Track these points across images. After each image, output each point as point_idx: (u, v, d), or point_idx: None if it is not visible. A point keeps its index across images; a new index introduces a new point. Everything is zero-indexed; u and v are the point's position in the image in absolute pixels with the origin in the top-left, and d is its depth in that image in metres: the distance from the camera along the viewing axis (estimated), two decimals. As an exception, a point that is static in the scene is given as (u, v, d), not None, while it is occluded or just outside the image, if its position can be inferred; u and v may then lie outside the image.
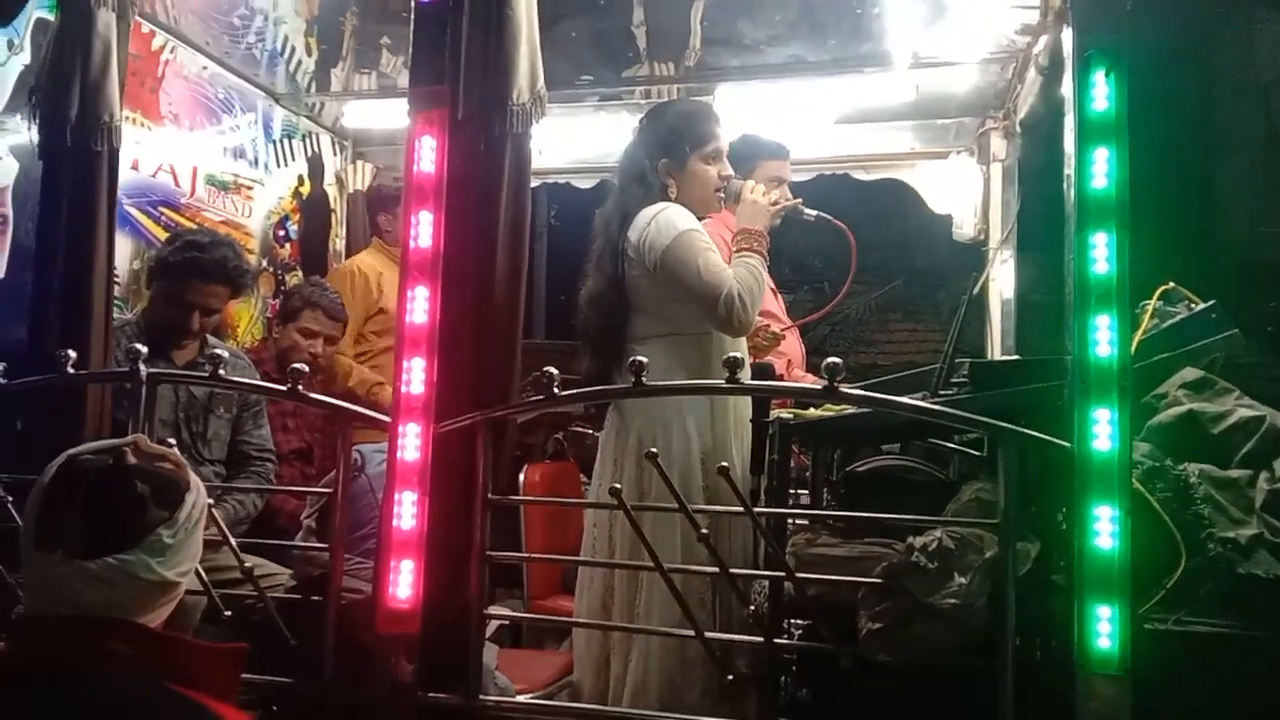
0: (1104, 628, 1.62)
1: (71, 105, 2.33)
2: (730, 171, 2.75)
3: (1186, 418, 1.91)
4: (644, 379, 1.90)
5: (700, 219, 2.69)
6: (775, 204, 2.69)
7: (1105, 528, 1.64)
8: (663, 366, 2.49)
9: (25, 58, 2.83)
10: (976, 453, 2.47)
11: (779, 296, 3.47)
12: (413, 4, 2.04)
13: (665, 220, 2.54)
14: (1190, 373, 2.00)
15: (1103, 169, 1.68)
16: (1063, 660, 1.67)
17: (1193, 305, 2.15)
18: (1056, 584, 1.75)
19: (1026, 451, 1.76)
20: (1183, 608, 1.70)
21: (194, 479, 1.45)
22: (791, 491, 2.50)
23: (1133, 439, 1.74)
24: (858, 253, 2.98)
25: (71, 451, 1.43)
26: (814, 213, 2.83)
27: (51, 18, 2.49)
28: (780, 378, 2.87)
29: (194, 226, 3.48)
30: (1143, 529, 1.68)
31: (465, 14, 2.03)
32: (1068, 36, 1.76)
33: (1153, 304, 2.14)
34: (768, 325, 2.98)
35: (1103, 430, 1.65)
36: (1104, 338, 1.67)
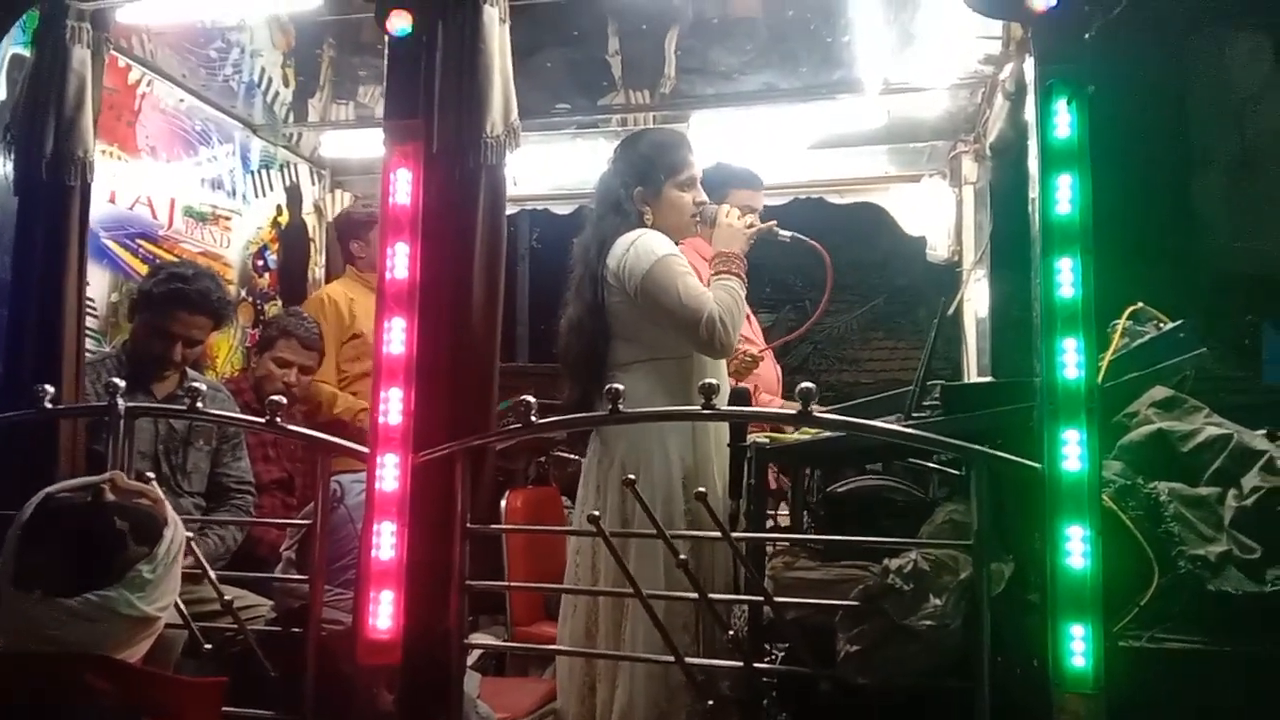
0: (1078, 646, 1.63)
1: (46, 140, 2.34)
2: (704, 198, 2.78)
3: (1156, 436, 1.94)
4: (620, 406, 1.92)
5: (675, 244, 2.72)
6: (750, 227, 2.72)
7: (1077, 547, 1.66)
8: (644, 392, 2.52)
9: (0, 94, 2.83)
10: (956, 472, 2.49)
11: (754, 320, 3.49)
12: (386, 38, 2.06)
13: (643, 246, 2.56)
14: (1160, 391, 2.03)
15: (1066, 195, 1.71)
16: (1038, 679, 1.69)
17: (1161, 324, 2.18)
18: (1031, 603, 1.77)
19: (999, 473, 1.78)
20: (1155, 625, 1.71)
21: (172, 514, 1.46)
22: (771, 513, 2.52)
23: (1103, 458, 1.76)
24: (836, 273, 3.02)
25: (49, 489, 1.43)
26: (789, 234, 2.87)
27: (27, 54, 2.50)
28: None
29: (172, 258, 3.48)
30: (1115, 547, 1.70)
31: (438, 48, 2.05)
32: (1029, 65, 1.79)
33: (1122, 324, 2.17)
34: (745, 350, 3.00)
35: (1072, 451, 1.67)
36: (1071, 360, 1.69)
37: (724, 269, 2.62)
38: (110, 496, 1.40)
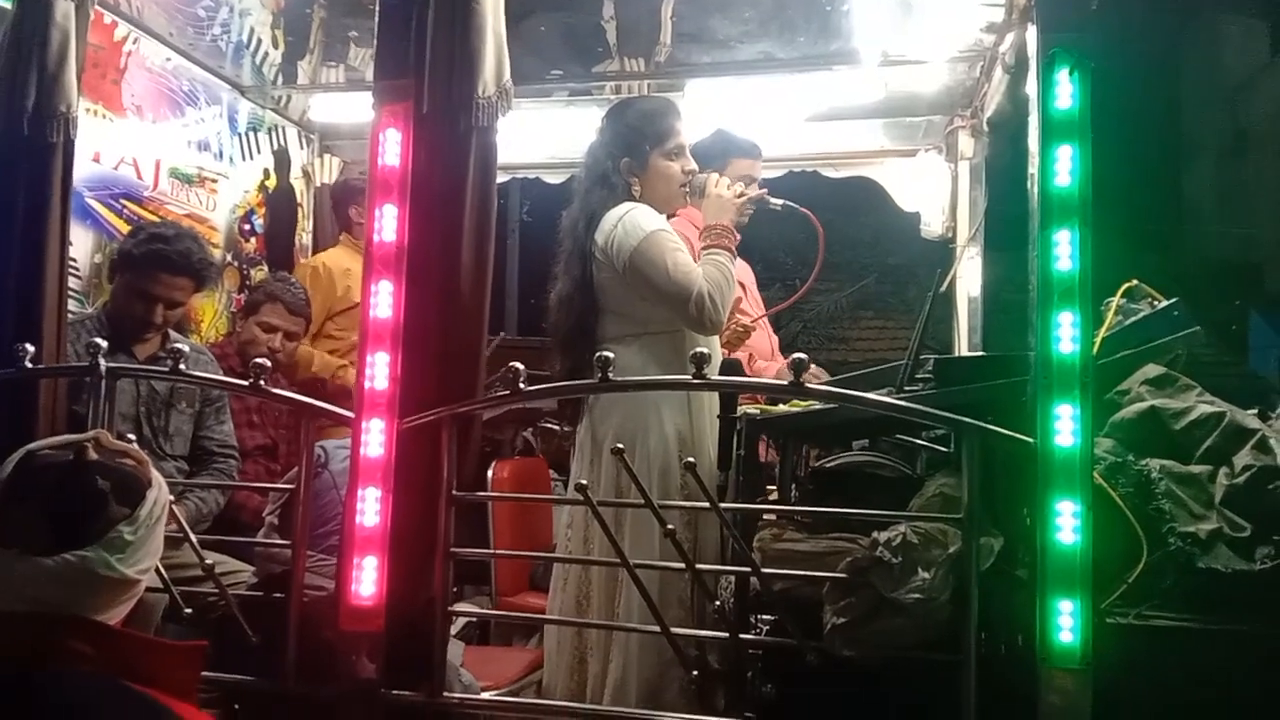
0: (1066, 622, 1.63)
1: (28, 96, 2.29)
2: (694, 166, 2.74)
3: (1148, 414, 1.93)
4: (610, 374, 1.89)
5: (667, 216, 2.69)
6: (741, 196, 2.69)
7: (1067, 523, 1.65)
8: (636, 366, 2.50)
9: (-18, 47, 2.77)
10: (944, 448, 2.48)
11: (751, 288, 3.46)
12: (377, -3, 2.02)
13: (632, 221, 2.53)
14: (1152, 369, 2.02)
15: (1066, 166, 1.69)
16: (1026, 654, 1.68)
17: (1155, 303, 2.17)
18: (1020, 579, 1.76)
19: (990, 447, 1.77)
20: (1144, 602, 1.71)
21: (156, 475, 1.43)
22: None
23: (1095, 435, 1.75)
24: (827, 250, 2.99)
25: (31, 446, 1.41)
26: (780, 201, 2.84)
27: (9, 6, 2.44)
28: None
29: (157, 219, 3.44)
30: (1105, 524, 1.69)
31: (430, 7, 2.01)
32: (1032, 35, 1.77)
33: (1116, 301, 2.15)
34: (738, 320, 2.98)
35: (1065, 426, 1.66)
36: (1067, 334, 1.67)
37: (713, 242, 2.59)
38: (93, 455, 1.37)
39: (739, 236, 2.68)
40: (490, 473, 3.31)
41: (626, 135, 2.66)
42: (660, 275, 2.49)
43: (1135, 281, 2.22)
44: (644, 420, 2.50)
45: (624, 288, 2.56)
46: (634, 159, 2.65)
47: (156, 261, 2.74)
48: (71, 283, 2.95)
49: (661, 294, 2.50)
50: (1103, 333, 2.02)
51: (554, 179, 4.27)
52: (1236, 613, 1.67)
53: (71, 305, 2.88)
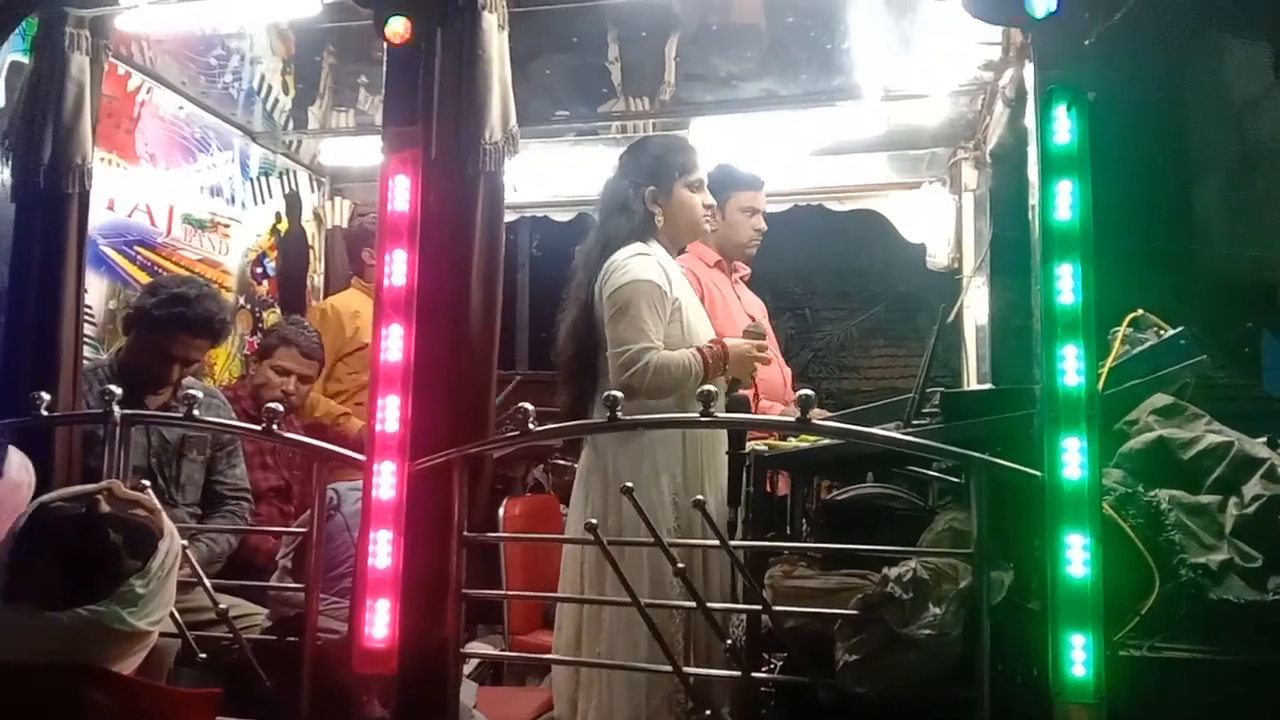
0: (1078, 655, 1.62)
1: (45, 148, 2.33)
2: (713, 201, 2.82)
3: (1157, 444, 1.93)
4: (619, 414, 1.91)
5: (678, 251, 2.73)
6: (762, 355, 2.68)
7: (1077, 555, 1.65)
8: (632, 405, 2.50)
9: (0, 101, 2.83)
10: (955, 479, 2.48)
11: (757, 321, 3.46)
12: (385, 45, 2.06)
13: (630, 265, 2.56)
14: (1161, 399, 2.02)
15: (1066, 201, 1.71)
16: (1039, 688, 1.67)
17: (1161, 332, 2.18)
18: (1032, 612, 1.76)
19: (999, 480, 1.77)
20: (1156, 634, 1.70)
21: (168, 525, 1.44)
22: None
23: (1104, 466, 1.75)
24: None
25: (44, 499, 1.42)
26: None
27: (26, 61, 2.50)
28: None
29: (171, 265, 3.48)
30: (1116, 555, 1.69)
31: (437, 56, 2.05)
32: (1029, 71, 1.79)
33: (1123, 331, 2.16)
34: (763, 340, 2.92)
35: (1072, 459, 1.66)
36: (1071, 367, 1.68)
37: (705, 351, 2.55)
38: (105, 507, 1.38)
39: (727, 381, 2.64)
40: (502, 510, 3.31)
41: (652, 165, 2.72)
42: (617, 320, 2.52)
43: (1141, 311, 2.23)
44: (637, 457, 2.51)
45: None
46: (659, 188, 2.70)
47: (178, 323, 2.75)
48: (86, 329, 2.99)
49: (610, 336, 2.53)
50: (1109, 363, 2.03)
51: (562, 216, 4.32)
52: (1250, 644, 1.66)
53: (87, 352, 2.91)
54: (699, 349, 2.56)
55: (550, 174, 4.05)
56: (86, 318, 2.89)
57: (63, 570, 1.31)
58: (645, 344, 2.48)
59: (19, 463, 1.89)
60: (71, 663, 1.29)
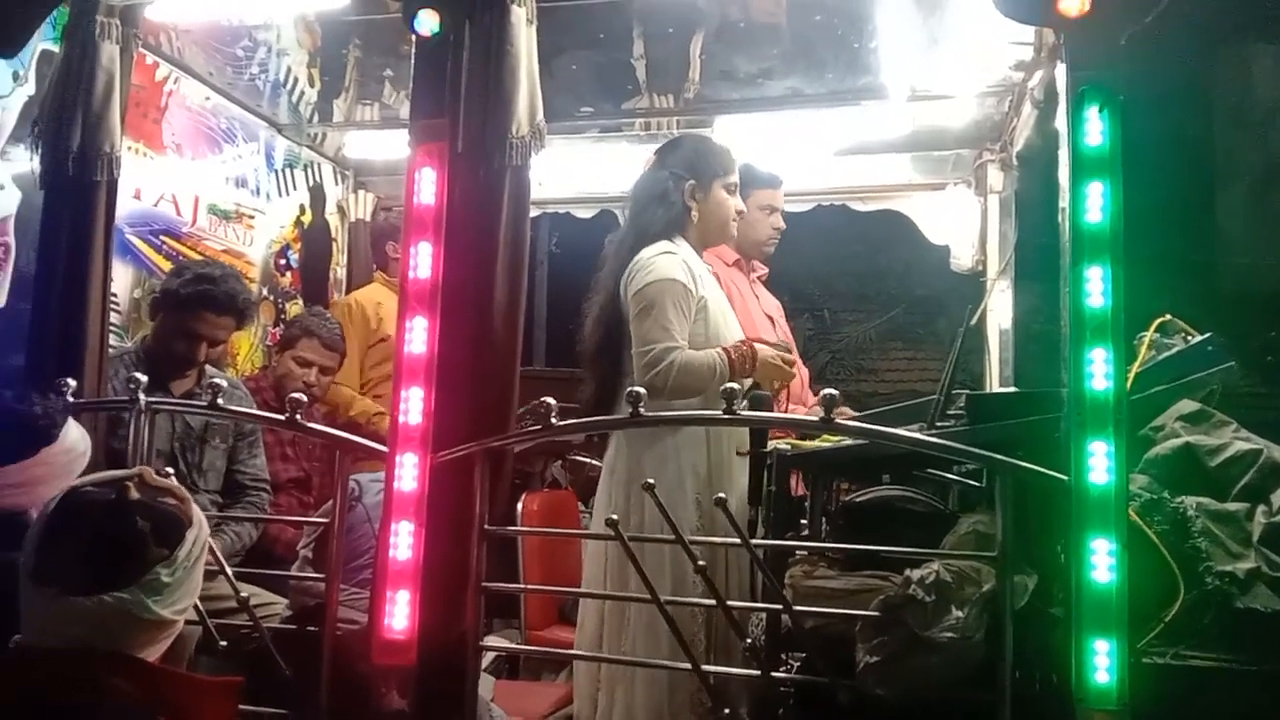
0: (1102, 661, 1.61)
1: (73, 136, 2.35)
2: (743, 208, 2.83)
3: (1184, 450, 1.91)
4: (641, 409, 1.90)
5: (710, 246, 2.76)
6: (789, 369, 2.67)
7: (1103, 561, 1.63)
8: (659, 404, 2.49)
9: (30, 89, 2.85)
10: (977, 484, 2.46)
11: (776, 322, 3.46)
12: (413, 38, 2.06)
13: (657, 264, 2.56)
14: (1187, 405, 2.00)
15: (1097, 203, 1.69)
16: (1061, 694, 1.66)
17: (1189, 337, 2.15)
18: (1055, 617, 1.74)
19: (1024, 484, 1.76)
20: (1181, 641, 1.68)
21: (197, 514, 1.44)
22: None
23: (1130, 471, 1.74)
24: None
25: (75, 483, 1.43)
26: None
27: (57, 49, 2.51)
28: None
29: (196, 255, 3.50)
30: (1141, 562, 1.67)
31: (466, 48, 2.05)
32: (1061, 72, 1.77)
33: (1150, 336, 2.14)
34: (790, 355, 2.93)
35: (1099, 463, 1.65)
36: (1100, 370, 1.67)
37: (732, 352, 2.54)
38: (134, 494, 1.38)
39: (749, 384, 2.62)
40: (520, 505, 3.32)
41: (694, 161, 2.73)
42: (642, 319, 2.52)
43: (1169, 316, 2.21)
44: (661, 455, 2.51)
45: None
46: (699, 183, 2.71)
47: (203, 301, 2.79)
48: (112, 317, 3.01)
49: (634, 335, 2.53)
50: (1136, 368, 2.01)
51: (584, 213, 4.32)
52: (1276, 653, 1.64)
53: (112, 340, 2.93)
54: (725, 348, 2.55)
55: (573, 170, 4.05)
56: (112, 306, 2.91)
57: (90, 556, 1.32)
58: (669, 343, 2.48)
59: (77, 433, 1.92)
60: (95, 648, 1.30)
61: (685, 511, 2.44)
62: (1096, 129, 1.71)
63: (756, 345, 2.61)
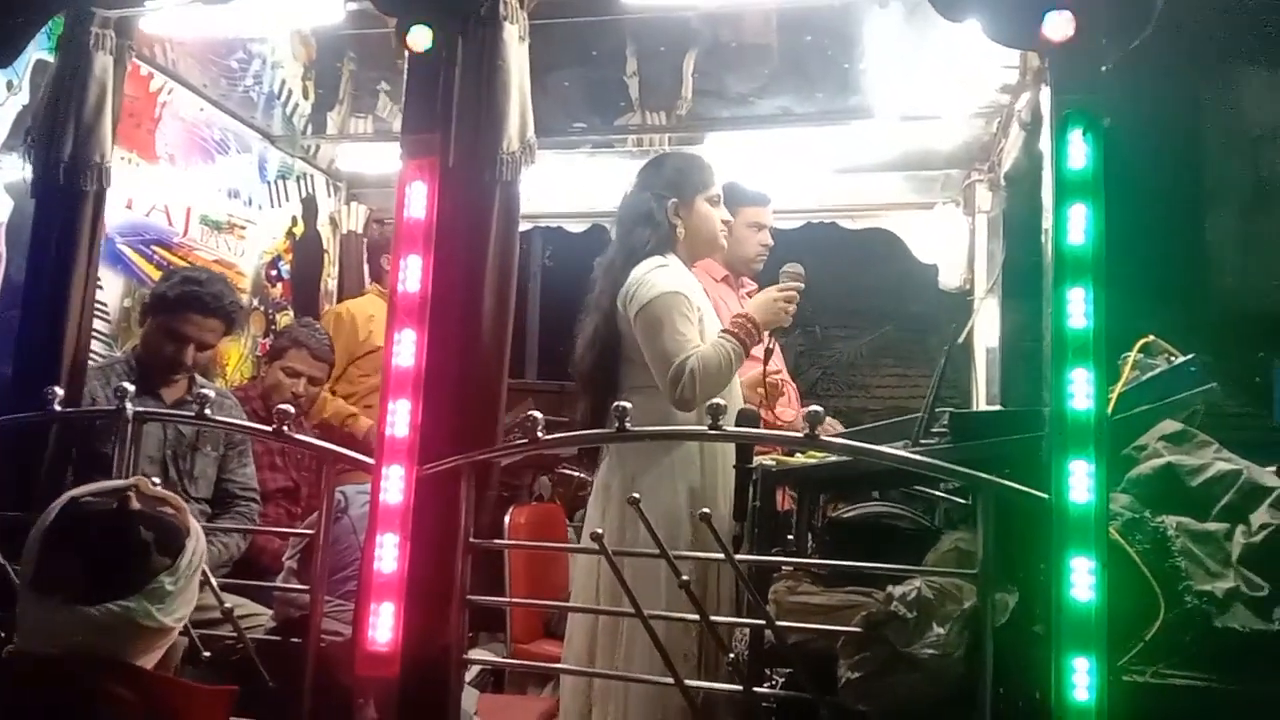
0: (1081, 679, 1.62)
1: (65, 146, 2.35)
2: (729, 217, 2.85)
3: (1165, 470, 1.93)
4: (627, 424, 1.91)
5: (700, 260, 2.78)
6: (787, 295, 2.71)
7: (1083, 579, 1.64)
8: (655, 417, 2.51)
9: (24, 98, 2.86)
10: (963, 501, 2.47)
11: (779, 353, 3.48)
12: (406, 53, 2.08)
13: (654, 279, 2.58)
14: (1170, 425, 2.02)
15: (1080, 225, 1.71)
16: (1041, 711, 1.67)
17: (1172, 358, 2.17)
18: (1035, 635, 1.75)
19: (1006, 502, 1.77)
20: (1161, 660, 1.70)
21: (194, 524, 1.46)
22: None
23: (1112, 490, 1.75)
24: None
25: (74, 493, 1.43)
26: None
27: (51, 59, 2.52)
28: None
29: (187, 265, 3.50)
30: (1121, 581, 1.69)
31: (458, 65, 2.07)
32: (1046, 95, 1.80)
33: (1133, 356, 2.16)
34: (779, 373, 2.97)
35: (1080, 482, 1.66)
36: (1081, 391, 1.68)
37: (735, 330, 2.58)
38: (135, 504, 1.39)
39: (764, 339, 2.69)
40: (507, 519, 3.32)
41: (674, 178, 2.75)
42: (655, 336, 2.53)
43: (1152, 337, 2.23)
44: (655, 472, 2.52)
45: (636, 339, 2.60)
46: (681, 200, 2.73)
47: (190, 303, 2.80)
48: (101, 326, 3.01)
49: (651, 354, 2.54)
50: (1119, 388, 2.02)
51: (575, 227, 4.34)
52: (1255, 672, 1.65)
53: (100, 349, 2.94)
54: (724, 330, 2.59)
55: (565, 185, 4.06)
56: (101, 314, 2.91)
57: (94, 565, 1.32)
58: (684, 354, 2.50)
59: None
60: (95, 655, 1.30)
61: (680, 528, 2.44)
62: (1080, 152, 1.73)
63: (745, 309, 2.64)
